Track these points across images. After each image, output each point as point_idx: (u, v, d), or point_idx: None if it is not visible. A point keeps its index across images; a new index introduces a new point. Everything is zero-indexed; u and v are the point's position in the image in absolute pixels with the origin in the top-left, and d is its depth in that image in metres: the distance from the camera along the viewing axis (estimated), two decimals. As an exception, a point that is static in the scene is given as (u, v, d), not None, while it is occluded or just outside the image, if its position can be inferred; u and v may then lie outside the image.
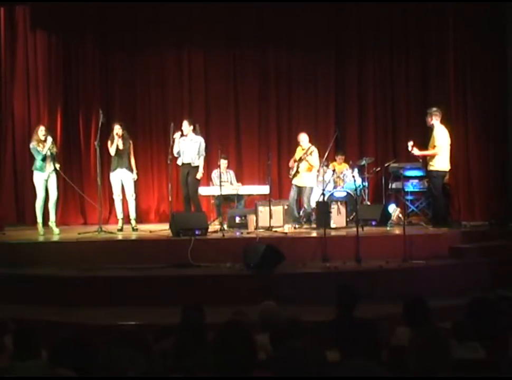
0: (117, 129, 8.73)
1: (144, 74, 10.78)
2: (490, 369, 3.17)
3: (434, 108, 8.56)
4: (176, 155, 8.95)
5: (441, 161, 8.43)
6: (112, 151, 8.74)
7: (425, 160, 8.58)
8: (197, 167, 8.98)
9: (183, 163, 8.99)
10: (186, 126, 8.95)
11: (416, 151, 8.50)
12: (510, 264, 7.21)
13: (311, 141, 9.46)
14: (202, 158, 9.04)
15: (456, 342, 3.52)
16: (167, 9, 10.28)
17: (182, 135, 8.96)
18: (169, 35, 10.66)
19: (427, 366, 2.78)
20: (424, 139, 8.75)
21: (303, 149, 9.27)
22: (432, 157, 8.41)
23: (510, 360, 3.13)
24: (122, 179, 8.82)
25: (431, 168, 8.48)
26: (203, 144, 9.05)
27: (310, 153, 9.16)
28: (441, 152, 8.38)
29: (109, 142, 8.84)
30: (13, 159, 10.15)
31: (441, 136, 8.42)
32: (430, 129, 8.57)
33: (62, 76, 10.40)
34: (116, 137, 8.70)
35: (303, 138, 9.31)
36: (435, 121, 8.46)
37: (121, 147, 8.71)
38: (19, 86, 10.20)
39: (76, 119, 10.49)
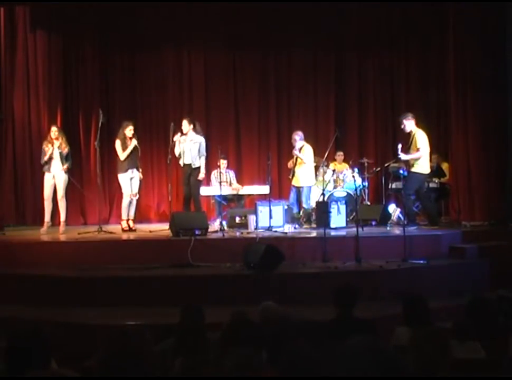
0: (131, 131, 8.72)
1: (144, 74, 10.79)
2: (490, 369, 3.17)
3: (408, 114, 8.69)
4: (177, 156, 8.95)
5: (423, 164, 8.55)
6: (124, 156, 8.70)
7: (408, 163, 8.66)
8: (198, 168, 8.94)
9: (184, 164, 8.98)
10: (186, 125, 8.93)
11: (403, 156, 8.54)
12: (510, 264, 7.21)
13: (308, 141, 9.45)
14: (203, 158, 8.98)
15: (456, 342, 3.51)
16: (167, 9, 10.28)
17: (182, 134, 8.96)
18: (169, 35, 10.66)
19: (427, 366, 2.78)
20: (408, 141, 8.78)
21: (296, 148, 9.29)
22: (416, 159, 8.49)
23: (510, 360, 3.13)
24: (132, 178, 8.81)
25: (413, 170, 8.58)
26: (203, 144, 9.00)
27: (302, 152, 9.16)
28: (424, 154, 8.51)
29: (118, 142, 8.77)
30: (13, 159, 10.14)
31: (422, 140, 8.54)
32: (408, 134, 8.66)
33: (62, 76, 10.39)
34: (133, 140, 8.69)
35: (295, 138, 9.28)
36: (412, 126, 8.59)
37: (133, 147, 8.73)
38: (19, 86, 10.19)
39: (76, 119, 10.49)
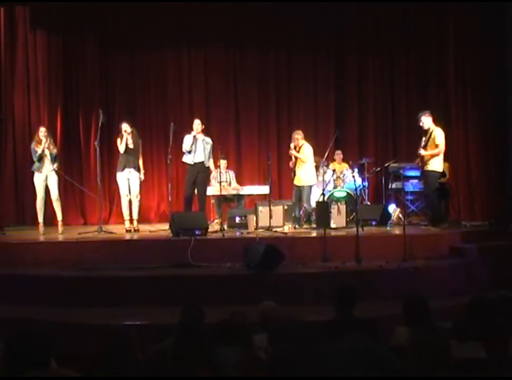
0: (125, 127, 8.70)
1: (144, 74, 10.79)
2: (490, 369, 3.17)
3: (426, 111, 8.66)
4: (187, 151, 8.91)
5: (438, 162, 8.51)
6: (122, 148, 8.68)
7: (423, 161, 8.61)
8: (209, 167, 9.06)
9: (194, 163, 8.96)
10: (199, 125, 8.94)
11: (422, 151, 8.49)
12: (510, 264, 7.21)
13: (308, 140, 9.45)
14: (211, 160, 9.12)
15: (456, 342, 3.51)
16: (167, 9, 10.27)
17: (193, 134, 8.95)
18: (169, 35, 10.66)
19: (427, 366, 2.78)
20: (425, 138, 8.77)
21: (296, 147, 9.27)
22: (432, 156, 8.45)
23: (510, 360, 3.13)
24: (129, 179, 8.78)
25: (428, 168, 8.53)
26: (212, 146, 9.08)
27: (301, 151, 9.16)
28: (442, 151, 8.47)
29: (118, 140, 8.79)
30: (13, 159, 10.14)
31: (441, 137, 8.48)
32: (426, 131, 8.60)
33: (62, 76, 10.40)
34: (125, 134, 8.66)
35: (296, 137, 9.27)
36: (430, 123, 8.53)
37: (131, 146, 8.70)
38: (19, 86, 10.19)
39: (76, 119, 10.49)
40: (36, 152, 8.51)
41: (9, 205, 10.02)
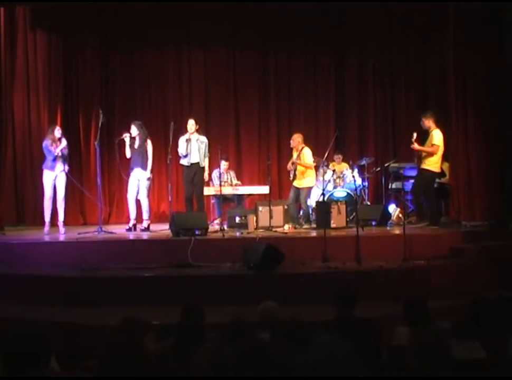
0: (131, 129, 8.73)
1: (144, 74, 10.80)
2: (490, 369, 3.17)
3: (429, 112, 8.77)
4: (183, 155, 8.91)
5: (435, 162, 8.57)
6: (127, 154, 8.76)
7: (420, 159, 8.65)
8: (204, 167, 9.00)
9: (191, 164, 8.95)
10: (193, 125, 8.93)
11: (416, 146, 8.57)
12: (510, 264, 7.21)
13: (308, 141, 9.44)
14: (207, 159, 9.08)
15: (456, 342, 3.51)
16: (167, 9, 10.27)
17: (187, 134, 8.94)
18: (169, 35, 10.67)
19: (427, 366, 2.78)
20: (424, 138, 8.79)
21: (296, 151, 9.28)
22: (428, 155, 8.52)
23: (510, 360, 3.13)
24: (139, 179, 8.76)
25: (424, 166, 8.62)
26: (207, 145, 9.04)
27: (302, 156, 9.16)
28: (438, 151, 8.54)
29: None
30: (13, 159, 10.13)
31: (438, 138, 8.57)
32: (426, 131, 8.67)
33: (62, 76, 10.39)
34: (126, 140, 8.68)
35: (298, 140, 9.28)
36: (431, 124, 8.64)
37: (136, 146, 8.72)
38: (19, 86, 10.18)
39: (76, 119, 10.49)
40: (50, 151, 8.50)
41: (9, 205, 10.01)
